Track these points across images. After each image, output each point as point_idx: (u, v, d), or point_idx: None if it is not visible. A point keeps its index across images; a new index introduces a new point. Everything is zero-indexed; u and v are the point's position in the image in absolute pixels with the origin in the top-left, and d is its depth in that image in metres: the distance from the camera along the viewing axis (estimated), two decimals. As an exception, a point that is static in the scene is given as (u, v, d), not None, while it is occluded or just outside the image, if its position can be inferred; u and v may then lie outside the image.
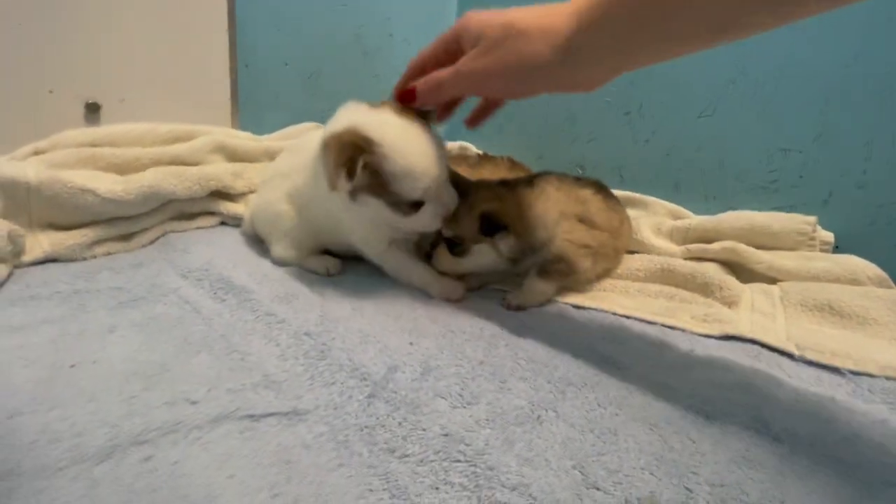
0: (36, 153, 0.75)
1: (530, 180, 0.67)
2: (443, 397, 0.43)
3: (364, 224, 0.65)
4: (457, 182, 0.65)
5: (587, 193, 0.70)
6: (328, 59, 1.12)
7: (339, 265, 0.73)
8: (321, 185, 0.57)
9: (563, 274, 0.65)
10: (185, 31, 0.95)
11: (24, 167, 0.66)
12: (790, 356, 0.55)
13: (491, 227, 0.61)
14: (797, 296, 0.66)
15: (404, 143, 0.56)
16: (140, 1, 0.89)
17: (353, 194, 0.57)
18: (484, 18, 0.47)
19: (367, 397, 0.43)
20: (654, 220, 0.94)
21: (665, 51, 0.41)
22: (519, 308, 0.63)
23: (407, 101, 0.55)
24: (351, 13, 1.13)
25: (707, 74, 0.92)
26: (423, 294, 0.66)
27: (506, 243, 0.62)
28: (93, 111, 0.86)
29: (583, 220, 0.67)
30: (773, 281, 0.74)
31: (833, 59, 0.80)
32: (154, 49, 0.92)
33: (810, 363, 0.53)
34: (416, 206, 0.59)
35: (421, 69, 0.54)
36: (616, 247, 0.75)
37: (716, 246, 0.80)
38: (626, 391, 0.46)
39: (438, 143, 0.58)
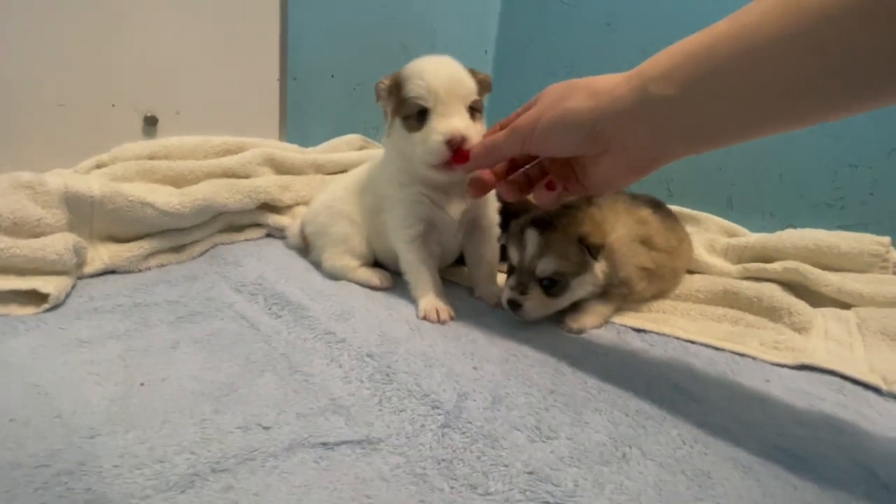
0: (98, 166, 0.77)
1: (590, 199, 0.65)
2: (519, 430, 0.42)
3: (399, 204, 0.66)
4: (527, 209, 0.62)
5: (646, 213, 0.68)
6: (373, 71, 1.12)
7: (390, 279, 0.72)
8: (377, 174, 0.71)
9: (622, 296, 0.64)
10: (238, 47, 0.97)
11: (90, 182, 0.67)
12: (877, 391, 0.52)
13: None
14: (877, 323, 0.63)
15: (423, 60, 0.61)
16: (198, 18, 0.91)
17: (390, 126, 0.65)
18: (557, 83, 0.46)
19: (441, 427, 0.42)
20: (706, 236, 0.91)
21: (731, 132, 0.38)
22: (579, 332, 0.61)
23: (460, 161, 0.56)
24: (397, 25, 1.13)
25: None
26: (478, 314, 0.65)
27: (601, 267, 0.59)
28: (151, 124, 0.88)
29: (644, 241, 0.65)
30: (843, 305, 0.71)
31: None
32: (209, 64, 0.94)
33: (901, 399, 0.50)
34: (423, 118, 0.59)
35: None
36: (674, 268, 0.72)
37: (777, 266, 0.76)
38: (709, 427, 0.44)
39: (464, 78, 0.60)
